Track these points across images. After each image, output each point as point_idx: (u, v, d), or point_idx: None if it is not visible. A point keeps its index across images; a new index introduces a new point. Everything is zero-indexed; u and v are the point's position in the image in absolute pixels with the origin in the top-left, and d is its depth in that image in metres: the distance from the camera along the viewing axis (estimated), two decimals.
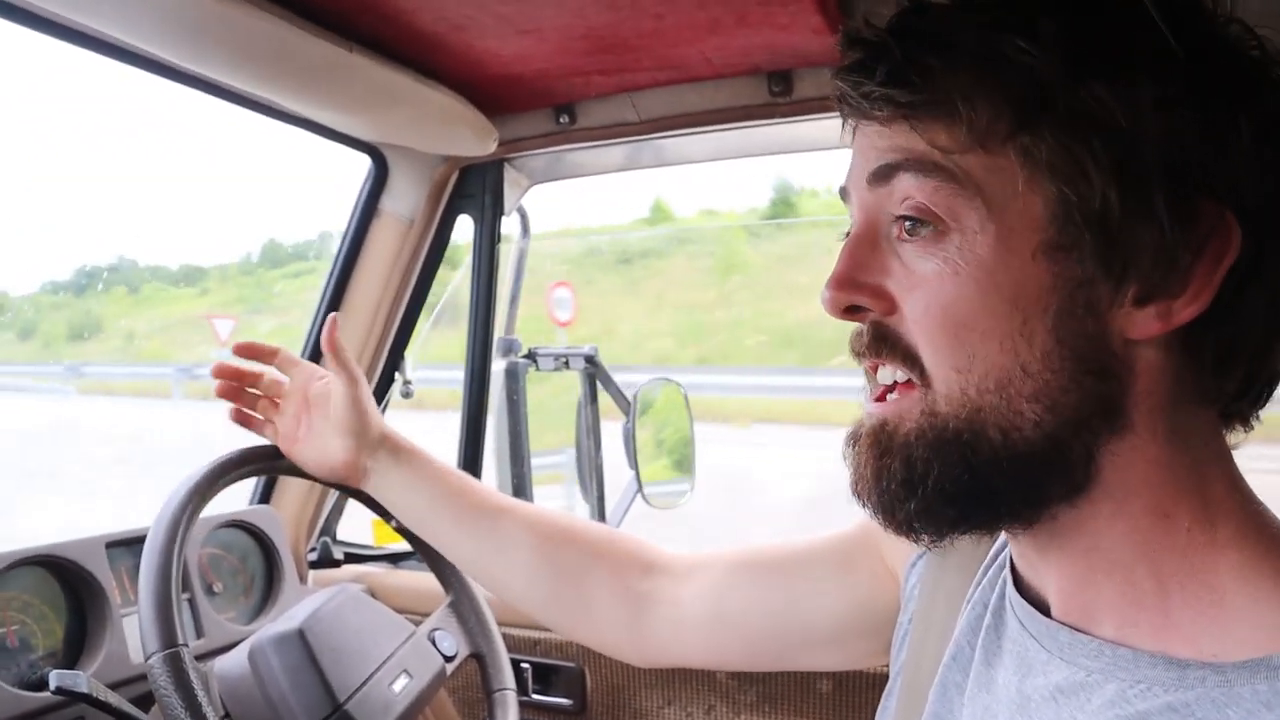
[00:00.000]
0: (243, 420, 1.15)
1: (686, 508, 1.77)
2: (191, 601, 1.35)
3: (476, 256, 1.63)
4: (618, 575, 1.02)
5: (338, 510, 1.76)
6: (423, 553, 1.28)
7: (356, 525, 1.76)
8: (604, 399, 1.80)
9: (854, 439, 0.62)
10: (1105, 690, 0.55)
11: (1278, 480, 1.41)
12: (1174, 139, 0.52)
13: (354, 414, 1.08)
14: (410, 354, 1.69)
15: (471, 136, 1.42)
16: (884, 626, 0.89)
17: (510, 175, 1.60)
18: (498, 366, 1.69)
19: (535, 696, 1.57)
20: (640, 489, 1.74)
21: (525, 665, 1.56)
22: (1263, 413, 0.60)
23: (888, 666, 1.33)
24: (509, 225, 1.65)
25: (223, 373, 1.13)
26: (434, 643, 1.22)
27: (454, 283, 1.76)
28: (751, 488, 7.61)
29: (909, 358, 0.59)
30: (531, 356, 1.72)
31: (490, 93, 1.36)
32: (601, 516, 1.78)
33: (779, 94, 1.32)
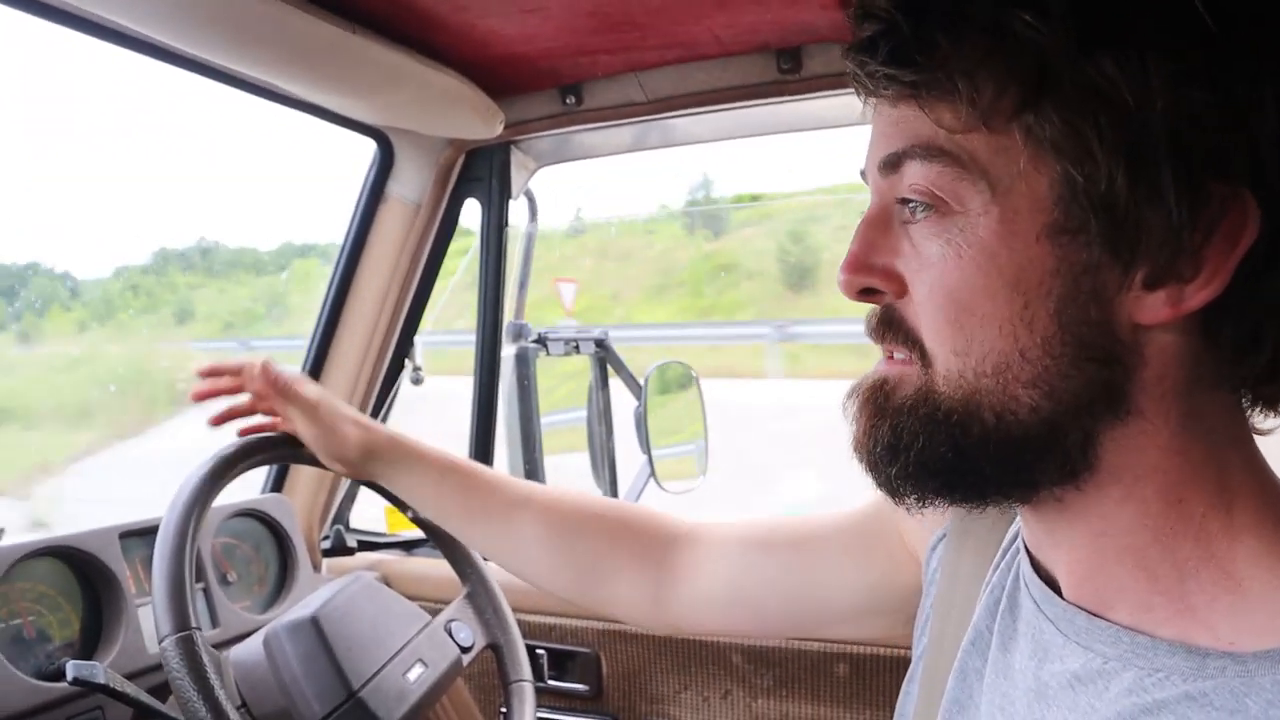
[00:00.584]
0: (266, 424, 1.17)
1: None
2: (206, 591, 1.35)
3: (484, 240, 1.61)
4: (637, 557, 1.02)
5: (350, 498, 1.76)
6: (439, 543, 1.28)
7: (369, 512, 1.76)
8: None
9: (853, 392, 0.62)
10: (1123, 678, 0.54)
11: None
12: (1186, 117, 0.50)
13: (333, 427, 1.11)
14: (419, 340, 1.68)
15: (477, 119, 1.41)
16: (901, 605, 0.89)
17: (517, 158, 1.58)
18: (507, 351, 1.68)
19: (551, 682, 1.57)
20: (653, 473, 1.73)
21: (541, 651, 1.56)
22: None
23: (905, 649, 1.34)
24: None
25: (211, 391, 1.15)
26: (450, 633, 1.22)
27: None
28: None
29: (911, 341, 0.58)
30: (541, 341, 1.71)
31: (495, 74, 1.35)
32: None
33: (788, 71, 1.30)
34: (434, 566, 1.66)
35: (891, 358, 0.61)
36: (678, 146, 1.56)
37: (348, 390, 1.63)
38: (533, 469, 1.70)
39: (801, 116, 1.43)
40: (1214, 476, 0.55)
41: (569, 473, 1.86)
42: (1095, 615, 0.58)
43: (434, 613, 1.25)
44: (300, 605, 1.14)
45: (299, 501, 1.63)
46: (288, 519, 1.53)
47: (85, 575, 1.24)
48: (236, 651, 1.11)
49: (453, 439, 1.41)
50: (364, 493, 1.76)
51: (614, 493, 1.79)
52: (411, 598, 1.28)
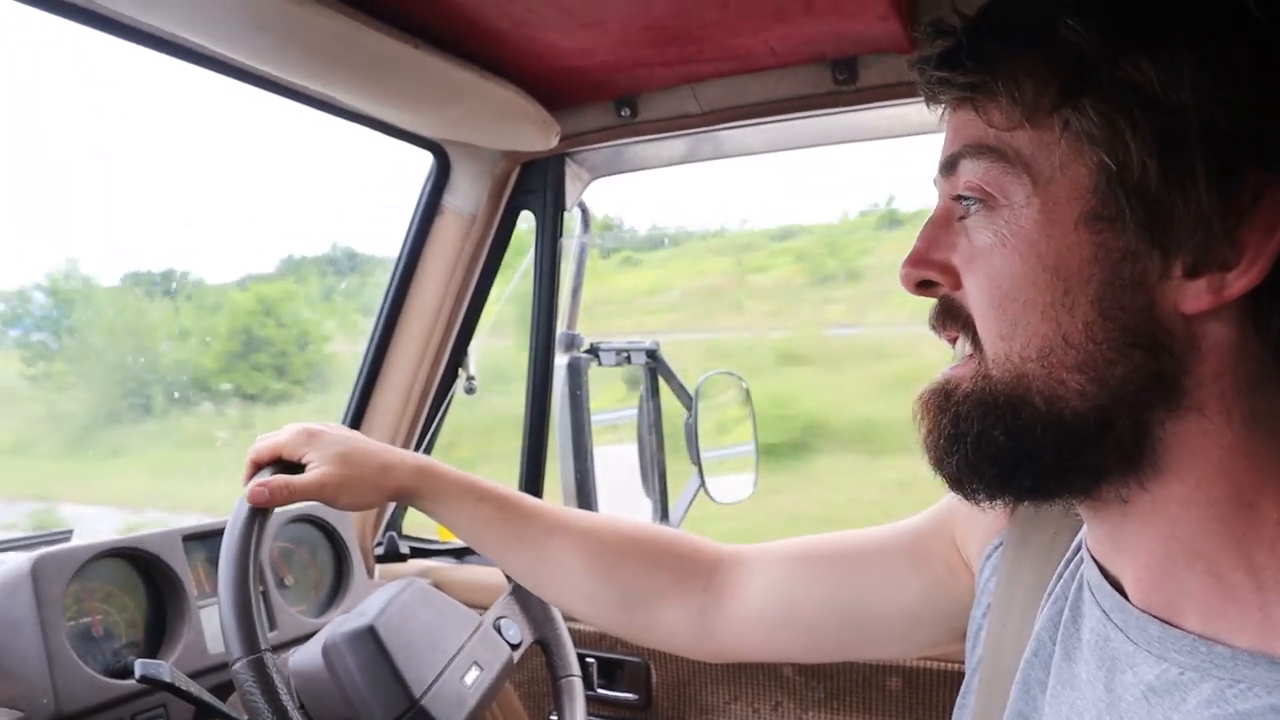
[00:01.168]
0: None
1: None
2: (265, 594, 1.38)
3: (538, 252, 1.63)
4: (678, 584, 1.00)
5: (403, 506, 1.78)
6: None
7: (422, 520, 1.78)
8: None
9: (920, 398, 0.65)
10: (1201, 689, 0.53)
11: None
12: (1218, 107, 0.52)
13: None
14: (473, 349, 1.70)
15: (533, 131, 1.43)
16: (956, 618, 0.88)
17: (571, 170, 1.60)
18: (560, 361, 1.70)
19: (600, 691, 1.57)
20: (703, 484, 1.73)
21: (590, 660, 1.57)
22: None
23: (957, 663, 1.33)
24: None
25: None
26: (499, 631, 1.23)
27: None
28: None
29: (968, 326, 0.61)
30: (594, 351, 1.73)
31: (552, 87, 1.37)
32: (664, 511, 1.78)
33: (843, 82, 1.30)
34: (485, 574, 1.68)
35: (954, 348, 0.64)
36: (731, 158, 1.57)
37: (402, 399, 1.65)
38: (583, 478, 1.71)
39: (857, 128, 1.43)
40: None
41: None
42: (1166, 623, 0.57)
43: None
44: (356, 613, 1.15)
45: None
46: (344, 525, 1.55)
47: (150, 576, 1.27)
48: (296, 658, 1.13)
49: None
50: None
51: (665, 503, 1.79)
52: (464, 605, 1.29)
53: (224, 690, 1.23)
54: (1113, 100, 0.54)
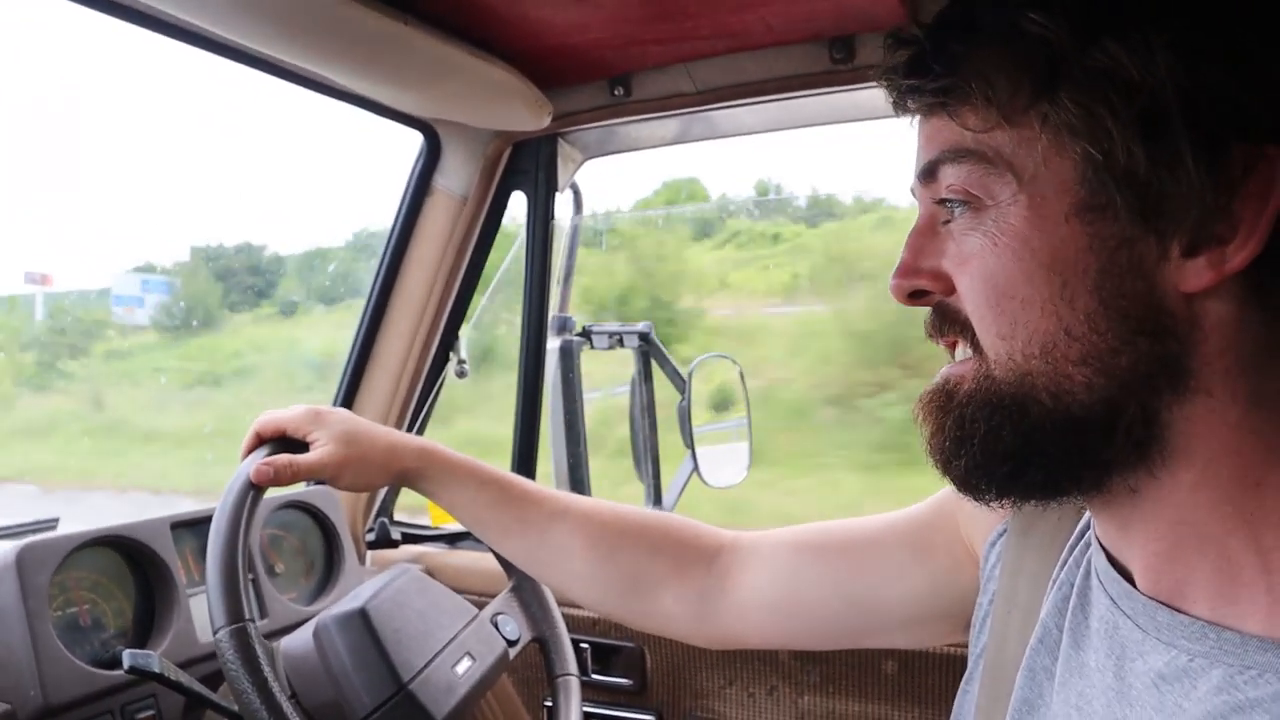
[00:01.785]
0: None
1: None
2: (255, 582, 1.36)
3: (530, 233, 1.61)
4: (678, 569, 1.00)
5: (395, 491, 1.77)
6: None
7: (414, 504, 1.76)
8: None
9: (920, 399, 0.64)
10: (1211, 676, 0.53)
11: None
12: (1195, 83, 0.51)
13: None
14: (464, 333, 1.68)
15: (525, 111, 1.40)
16: (961, 607, 0.87)
17: (563, 150, 1.58)
18: (551, 345, 1.68)
19: (595, 676, 1.57)
20: (696, 468, 1.72)
21: (585, 645, 1.56)
22: None
23: (954, 648, 1.33)
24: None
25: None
26: (496, 626, 1.22)
27: None
28: None
29: (966, 329, 0.60)
30: (586, 334, 1.71)
31: (544, 65, 1.34)
32: (658, 495, 1.77)
33: (840, 61, 1.28)
34: (478, 560, 1.66)
35: (954, 352, 0.63)
36: (726, 138, 1.55)
37: (392, 382, 1.63)
38: (577, 462, 1.69)
39: (854, 107, 1.41)
40: None
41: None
42: (1175, 609, 0.57)
43: (478, 605, 1.25)
44: (349, 597, 1.14)
45: (344, 494, 1.64)
46: (334, 511, 1.54)
47: (138, 565, 1.25)
48: (287, 642, 1.12)
49: None
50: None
51: (658, 488, 1.78)
52: (455, 591, 1.28)
53: (214, 680, 1.21)
54: (1089, 90, 0.53)
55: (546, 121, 1.45)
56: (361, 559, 1.67)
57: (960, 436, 0.60)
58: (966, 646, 0.82)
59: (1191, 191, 0.52)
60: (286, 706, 0.93)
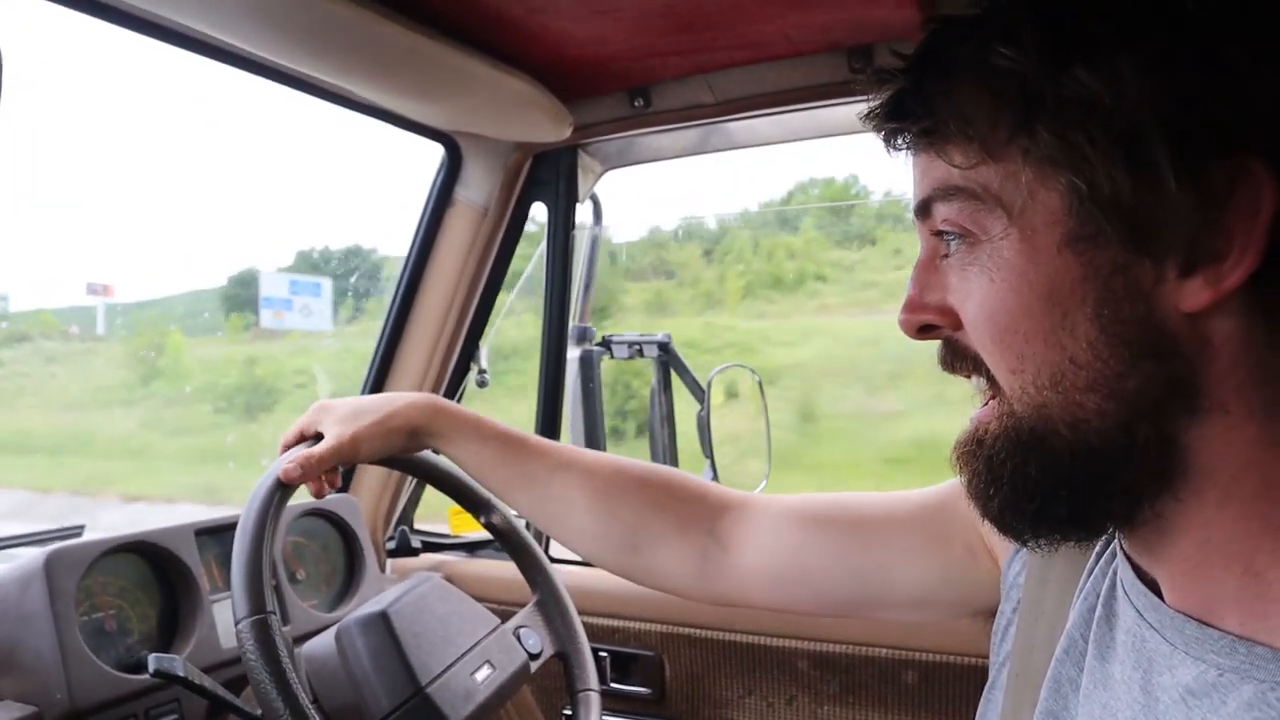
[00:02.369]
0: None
1: None
2: (277, 588, 1.37)
3: (551, 244, 1.62)
4: (681, 526, 1.00)
5: (415, 500, 1.78)
6: (510, 549, 1.28)
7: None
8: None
9: (956, 448, 0.64)
10: (1242, 691, 0.52)
11: None
12: (1170, 103, 0.51)
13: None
14: (485, 343, 1.69)
15: (546, 122, 1.42)
16: (970, 600, 0.88)
17: (584, 161, 1.59)
18: (572, 354, 1.69)
19: (614, 685, 1.57)
20: (715, 476, 1.72)
21: (604, 654, 1.56)
22: None
23: (975, 658, 1.32)
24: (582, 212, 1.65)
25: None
26: (519, 639, 1.22)
27: None
28: None
29: (978, 365, 0.61)
30: (606, 344, 1.72)
31: (565, 77, 1.35)
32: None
33: (858, 71, 1.28)
34: (497, 568, 1.67)
35: (971, 380, 0.63)
36: (745, 149, 1.56)
37: (413, 391, 1.64)
38: None
39: None
40: None
41: None
42: (1204, 624, 0.56)
43: (498, 614, 1.25)
44: (372, 602, 1.15)
45: (365, 502, 1.65)
46: (355, 519, 1.55)
47: (162, 571, 1.27)
48: (309, 646, 1.13)
49: None
50: (428, 496, 1.78)
51: None
52: (474, 598, 1.28)
53: (237, 685, 1.22)
54: (1064, 120, 0.53)
55: (567, 133, 1.46)
56: (382, 567, 1.68)
57: (990, 477, 0.60)
58: (988, 657, 0.81)
59: (1179, 212, 0.51)
60: (303, 698, 0.93)
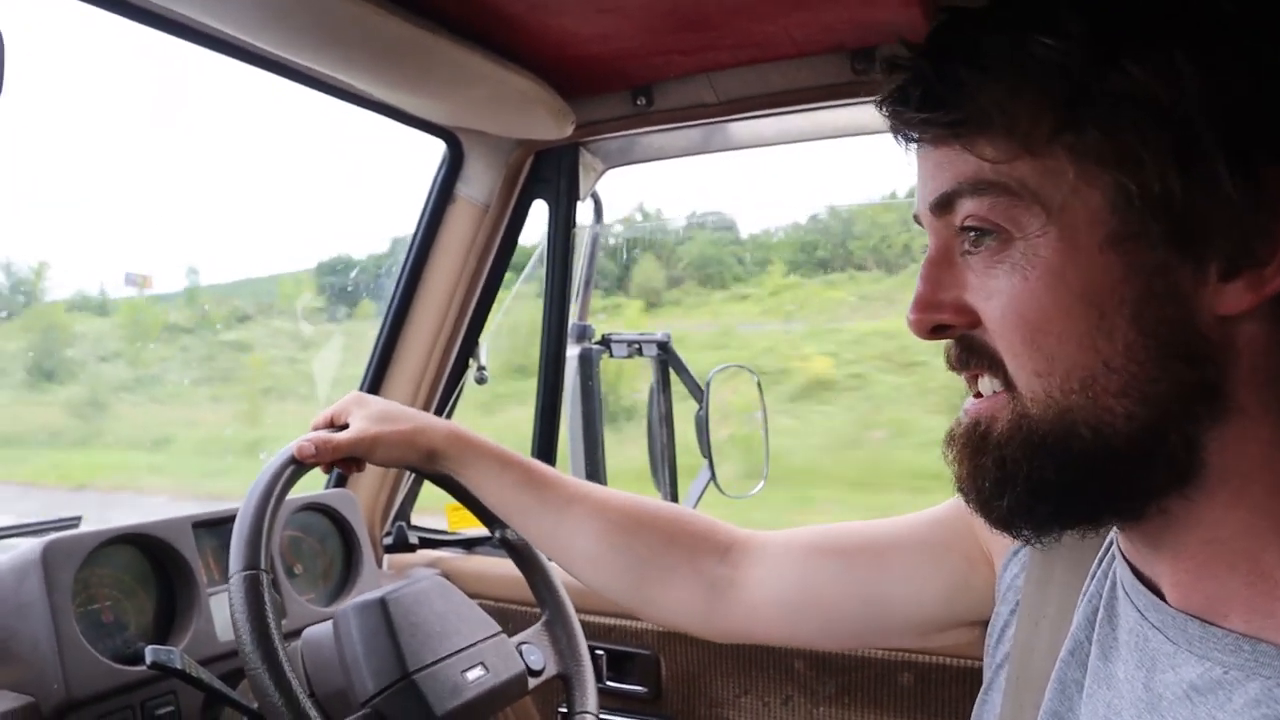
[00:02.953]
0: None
1: None
2: (274, 582, 1.37)
3: (551, 242, 1.62)
4: (690, 561, 1.01)
5: (412, 495, 1.78)
6: (521, 565, 1.27)
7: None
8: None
9: (950, 439, 0.63)
10: (1247, 689, 0.52)
11: None
12: (1226, 102, 0.50)
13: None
14: (484, 340, 1.69)
15: (549, 119, 1.42)
16: (970, 609, 0.88)
17: (585, 159, 1.59)
18: (571, 352, 1.69)
19: (610, 683, 1.57)
20: (713, 476, 1.72)
21: (600, 652, 1.56)
22: None
23: (970, 659, 1.32)
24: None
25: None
26: (521, 654, 1.22)
27: None
28: None
29: (995, 365, 0.58)
30: (605, 343, 1.72)
31: (568, 75, 1.35)
32: (674, 502, 1.77)
33: (862, 72, 1.29)
34: (493, 565, 1.67)
35: (978, 395, 0.61)
36: (746, 149, 1.56)
37: (412, 388, 1.64)
38: (595, 469, 1.70)
39: (873, 119, 1.40)
40: None
41: None
42: (1207, 623, 0.56)
43: (495, 611, 1.25)
44: (373, 591, 1.15)
45: (362, 497, 1.65)
46: (353, 514, 1.55)
47: (159, 563, 1.27)
48: (308, 633, 1.13)
49: None
50: (425, 491, 1.78)
51: (674, 496, 1.78)
52: (471, 595, 1.28)
53: (234, 678, 1.22)
54: (1114, 117, 0.52)
55: (569, 130, 1.46)
56: (379, 562, 1.68)
57: (1002, 478, 0.58)
58: (983, 659, 0.81)
59: (1229, 214, 0.51)
60: (281, 653, 0.94)
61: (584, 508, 1.05)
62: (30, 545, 1.13)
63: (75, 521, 1.38)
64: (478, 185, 1.57)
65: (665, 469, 1.77)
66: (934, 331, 0.61)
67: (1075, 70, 0.52)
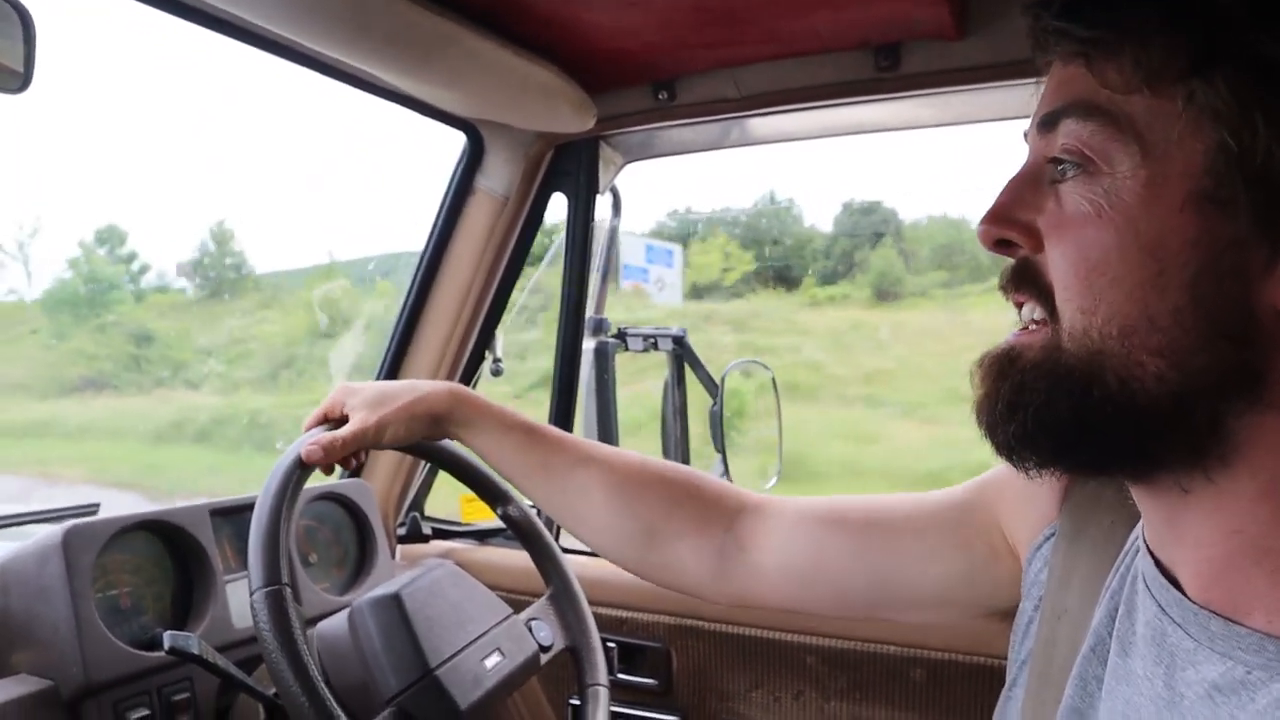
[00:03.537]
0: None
1: None
2: (290, 570, 1.37)
3: (570, 235, 1.62)
4: (698, 524, 0.99)
5: (426, 486, 1.78)
6: (524, 541, 1.28)
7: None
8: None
9: (981, 362, 0.63)
10: (1271, 689, 0.52)
11: None
12: None
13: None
14: (501, 332, 1.69)
15: (570, 113, 1.42)
16: (990, 599, 0.87)
17: (605, 153, 1.59)
18: (586, 345, 1.69)
19: (621, 676, 1.57)
20: (725, 471, 1.72)
21: (611, 645, 1.56)
22: None
23: (984, 656, 1.32)
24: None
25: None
26: (531, 630, 1.22)
27: None
28: None
29: (1044, 295, 0.58)
30: (621, 336, 1.72)
31: (591, 68, 1.35)
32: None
33: (885, 69, 1.28)
34: (507, 556, 1.67)
35: (1024, 324, 0.61)
36: (767, 144, 1.55)
37: (429, 378, 1.64)
38: None
39: (897, 117, 1.41)
40: None
41: None
42: (1229, 620, 0.56)
43: (508, 603, 1.25)
44: (386, 584, 1.15)
45: (376, 488, 1.65)
46: (368, 504, 1.55)
47: (178, 550, 1.27)
48: (322, 625, 1.13)
49: None
50: (440, 481, 1.78)
51: None
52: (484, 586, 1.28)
53: (250, 665, 1.23)
54: (1248, 76, 0.50)
55: (590, 124, 1.46)
56: (392, 553, 1.69)
57: (1014, 402, 0.58)
58: (998, 656, 0.81)
59: None
60: (313, 671, 0.93)
61: (591, 470, 1.03)
62: (51, 531, 1.14)
63: (94, 509, 1.38)
64: (497, 177, 1.57)
65: (679, 463, 1.77)
66: (998, 245, 0.61)
67: (1225, 21, 0.51)
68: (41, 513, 1.33)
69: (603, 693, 1.24)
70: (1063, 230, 0.57)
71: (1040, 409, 0.57)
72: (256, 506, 0.99)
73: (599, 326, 1.70)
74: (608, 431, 1.69)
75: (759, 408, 1.85)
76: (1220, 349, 0.53)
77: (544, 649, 1.22)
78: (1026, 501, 0.82)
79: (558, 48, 1.29)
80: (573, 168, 1.59)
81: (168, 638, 1.04)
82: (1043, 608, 0.76)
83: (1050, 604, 0.75)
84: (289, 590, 0.96)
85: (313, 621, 1.28)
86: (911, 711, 1.39)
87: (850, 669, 1.43)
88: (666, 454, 1.79)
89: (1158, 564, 0.62)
